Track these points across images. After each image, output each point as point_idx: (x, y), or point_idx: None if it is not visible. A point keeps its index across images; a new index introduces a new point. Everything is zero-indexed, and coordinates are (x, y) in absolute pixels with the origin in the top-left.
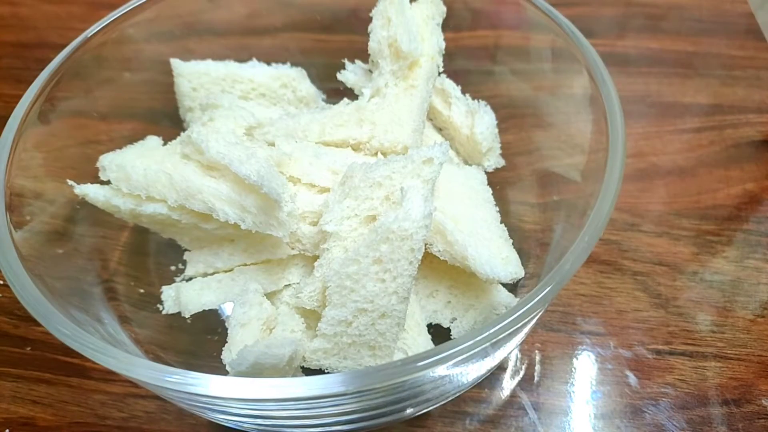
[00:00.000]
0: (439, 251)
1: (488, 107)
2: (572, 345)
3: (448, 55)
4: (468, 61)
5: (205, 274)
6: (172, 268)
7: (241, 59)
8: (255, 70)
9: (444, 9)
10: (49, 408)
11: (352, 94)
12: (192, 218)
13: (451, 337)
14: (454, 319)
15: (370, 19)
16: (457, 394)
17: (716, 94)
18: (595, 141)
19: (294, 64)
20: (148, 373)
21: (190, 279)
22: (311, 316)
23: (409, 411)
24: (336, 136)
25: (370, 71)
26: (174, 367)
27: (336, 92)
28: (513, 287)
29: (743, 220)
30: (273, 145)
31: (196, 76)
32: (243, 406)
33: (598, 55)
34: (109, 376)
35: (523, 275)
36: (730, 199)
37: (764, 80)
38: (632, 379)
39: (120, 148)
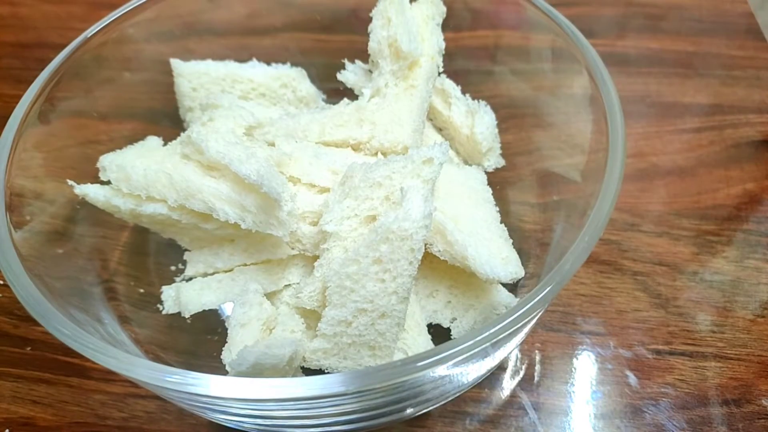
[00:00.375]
0: (439, 251)
1: (488, 107)
2: (572, 345)
3: (448, 55)
4: (468, 61)
5: (205, 274)
6: (172, 268)
7: (241, 59)
8: (255, 70)
9: (444, 9)
10: (49, 408)
11: (352, 94)
12: (192, 218)
13: (451, 337)
14: (454, 319)
15: (370, 19)
16: (457, 394)
17: (716, 94)
18: (595, 141)
19: (294, 64)
20: (148, 373)
21: (190, 279)
22: (311, 316)
23: (409, 411)
24: (336, 136)
25: (370, 71)
26: (174, 367)
27: (336, 92)
28: (513, 287)
29: (743, 220)
30: (273, 145)
31: (196, 76)
32: (243, 406)
33: (598, 55)
34: (109, 376)
35: (523, 275)
36: (730, 199)
37: (764, 80)
38: (632, 379)
39: (120, 148)
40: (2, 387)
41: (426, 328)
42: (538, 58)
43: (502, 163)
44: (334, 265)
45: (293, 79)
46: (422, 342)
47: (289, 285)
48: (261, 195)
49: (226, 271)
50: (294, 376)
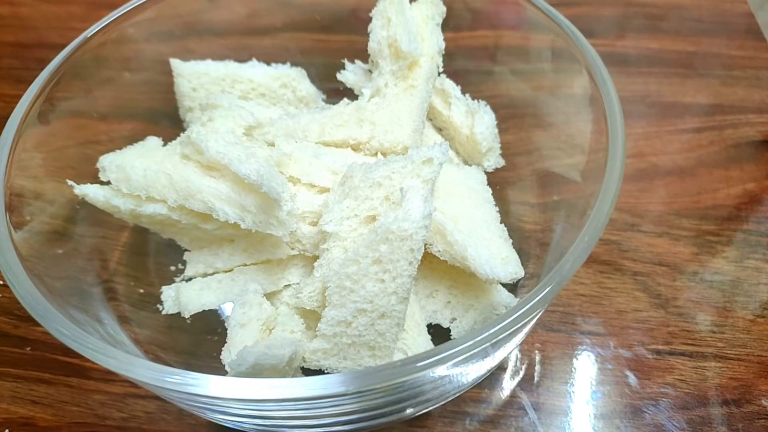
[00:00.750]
0: (439, 251)
1: (488, 107)
2: (572, 345)
3: (448, 55)
4: (468, 61)
5: (205, 275)
6: (172, 268)
7: (241, 59)
8: (255, 70)
9: (444, 9)
10: (49, 408)
11: (352, 94)
12: (192, 218)
13: (451, 337)
14: (454, 319)
15: (370, 19)
16: (457, 395)
17: (716, 94)
18: (595, 141)
19: (294, 64)
20: (148, 373)
21: (190, 279)
22: (311, 317)
23: (409, 411)
24: (336, 136)
25: (370, 71)
26: (174, 367)
27: (336, 92)
28: (513, 287)
29: (743, 220)
30: (273, 145)
31: (196, 76)
32: (243, 407)
33: (598, 55)
34: (109, 376)
35: (523, 275)
36: (730, 199)
37: (764, 80)
38: (632, 379)
39: (120, 148)
40: (2, 387)
41: (426, 328)
42: (538, 58)
43: (502, 163)
44: (334, 265)
45: (293, 79)
46: (422, 342)
47: (289, 285)
48: (261, 195)
49: (225, 272)
50: (294, 376)
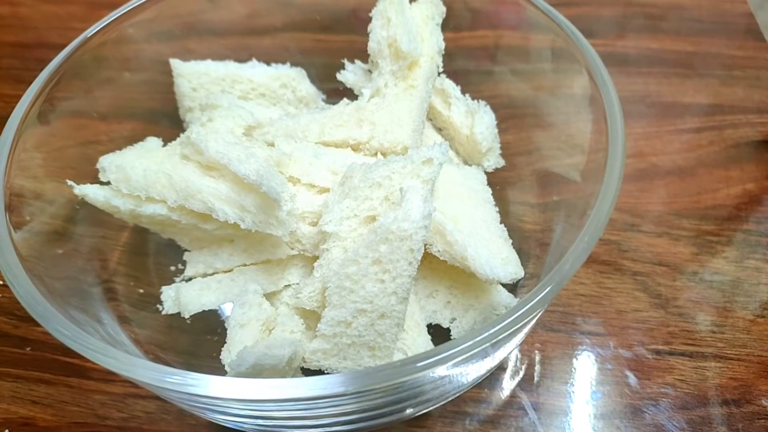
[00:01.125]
0: (439, 251)
1: (488, 107)
2: (572, 345)
3: (448, 55)
4: (468, 61)
5: (204, 275)
6: (172, 268)
7: (241, 59)
8: (255, 70)
9: (444, 9)
10: (49, 408)
11: (352, 94)
12: (192, 219)
13: (451, 337)
14: (454, 319)
15: (370, 19)
16: (457, 395)
17: (716, 94)
18: (595, 141)
19: (294, 64)
20: (148, 373)
21: (190, 279)
22: (311, 317)
23: (409, 411)
24: (336, 136)
25: (370, 71)
26: (174, 367)
27: (336, 92)
28: (513, 287)
29: (743, 220)
30: (273, 145)
31: (195, 76)
32: (243, 407)
33: (598, 55)
34: (109, 377)
35: (522, 275)
36: (730, 199)
37: (764, 80)
38: (632, 379)
39: (120, 148)
40: (2, 387)
41: (426, 329)
42: (538, 58)
43: (502, 163)
44: (334, 265)
45: (293, 79)
46: (422, 342)
47: (289, 285)
48: (260, 195)
49: (225, 272)
50: (294, 376)
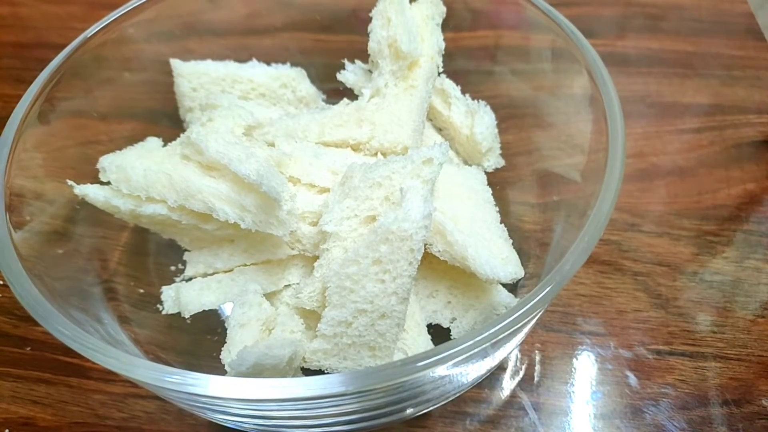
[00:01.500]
0: (439, 251)
1: (488, 107)
2: (572, 345)
3: (448, 55)
4: (468, 61)
5: (204, 275)
6: (172, 268)
7: (241, 59)
8: (255, 70)
9: (444, 9)
10: (49, 408)
11: (352, 94)
12: (192, 219)
13: (451, 337)
14: (454, 319)
15: (370, 19)
16: (457, 395)
17: (716, 94)
18: (595, 141)
19: (294, 64)
20: (148, 373)
21: (190, 279)
22: (311, 317)
23: (409, 411)
24: (336, 136)
25: (370, 71)
26: (174, 367)
27: (336, 92)
28: (513, 287)
29: (743, 220)
30: (273, 145)
31: (196, 76)
32: (243, 407)
33: (598, 55)
34: (109, 376)
35: (523, 275)
36: (731, 199)
37: (764, 80)
38: (632, 379)
39: (120, 148)
40: (2, 387)
41: (426, 329)
42: (538, 58)
43: (502, 163)
44: (334, 265)
45: (293, 79)
46: (422, 342)
47: (289, 285)
48: (260, 195)
49: (225, 272)
50: (294, 376)
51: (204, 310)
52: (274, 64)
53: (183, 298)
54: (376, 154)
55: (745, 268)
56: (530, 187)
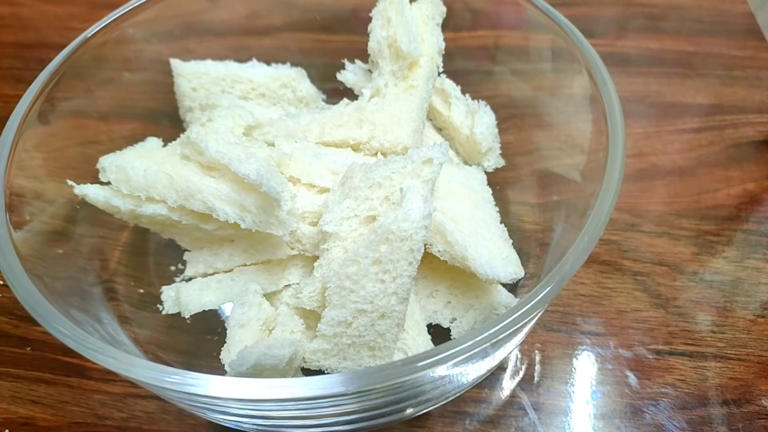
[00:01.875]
0: (439, 251)
1: (488, 107)
2: (572, 345)
3: (448, 55)
4: (468, 61)
5: (205, 275)
6: (172, 268)
7: (241, 59)
8: (255, 70)
9: (444, 9)
10: (49, 408)
11: (352, 94)
12: (192, 219)
13: (451, 337)
14: (454, 319)
15: (370, 19)
16: (457, 394)
17: (716, 94)
18: (595, 141)
19: (294, 64)
20: (148, 373)
21: (190, 279)
22: (311, 317)
23: (409, 411)
24: (336, 136)
25: (370, 71)
26: (174, 367)
27: (336, 92)
28: (513, 287)
29: (743, 220)
30: (273, 145)
31: (196, 76)
32: (243, 407)
33: (598, 55)
34: (109, 376)
35: (523, 275)
36: (731, 199)
37: (764, 80)
38: (632, 379)
39: (120, 148)
40: (2, 387)
41: (426, 328)
42: (538, 58)
43: (502, 163)
44: (334, 265)
45: (293, 79)
46: (422, 342)
47: (289, 285)
48: (260, 194)
49: (226, 272)
50: (294, 376)
51: (204, 310)
52: (274, 64)
53: (183, 298)
54: (376, 154)
55: (745, 268)
56: (530, 187)
